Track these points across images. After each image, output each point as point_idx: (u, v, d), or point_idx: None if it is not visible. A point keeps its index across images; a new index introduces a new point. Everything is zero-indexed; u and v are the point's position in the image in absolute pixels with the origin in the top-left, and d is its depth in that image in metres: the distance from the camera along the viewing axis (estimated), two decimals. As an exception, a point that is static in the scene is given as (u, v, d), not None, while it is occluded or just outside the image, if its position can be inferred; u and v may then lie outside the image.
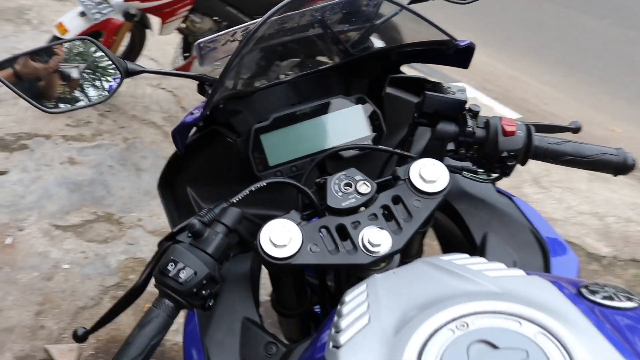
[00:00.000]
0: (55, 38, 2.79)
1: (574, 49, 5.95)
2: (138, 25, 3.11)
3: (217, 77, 1.03)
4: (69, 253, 2.29)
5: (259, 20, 0.81)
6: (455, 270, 0.67)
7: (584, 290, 0.61)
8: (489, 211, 0.99)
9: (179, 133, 0.89)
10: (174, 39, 3.30)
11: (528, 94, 4.76)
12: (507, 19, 6.53)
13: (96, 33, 2.94)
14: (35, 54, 0.95)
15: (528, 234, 0.96)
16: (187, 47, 3.23)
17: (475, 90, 4.46)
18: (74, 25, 2.78)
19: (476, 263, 0.69)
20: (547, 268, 0.92)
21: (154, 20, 3.07)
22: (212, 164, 1.06)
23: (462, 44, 0.88)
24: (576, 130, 1.02)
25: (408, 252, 1.09)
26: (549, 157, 0.91)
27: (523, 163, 0.91)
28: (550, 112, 4.49)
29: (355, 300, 0.66)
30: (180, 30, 3.14)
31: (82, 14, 2.79)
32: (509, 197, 1.02)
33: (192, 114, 0.89)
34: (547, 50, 5.85)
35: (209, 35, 0.96)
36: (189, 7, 2.93)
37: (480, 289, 0.63)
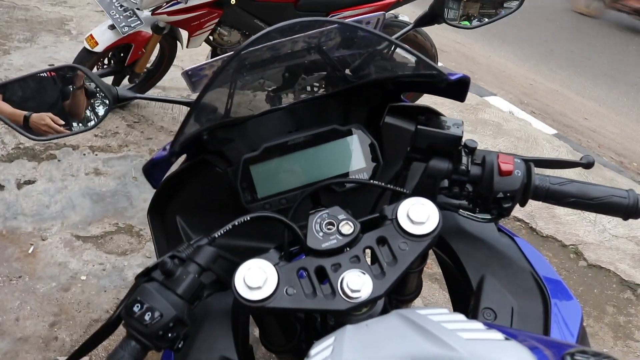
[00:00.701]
0: (86, 50, 2.84)
1: (618, 62, 5.72)
2: (167, 38, 3.14)
3: (211, 102, 1.01)
4: (88, 264, 2.31)
5: (230, 54, 0.78)
6: (429, 328, 0.62)
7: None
8: (487, 252, 0.92)
9: (150, 170, 0.86)
10: (207, 50, 3.32)
11: (567, 108, 4.59)
12: (549, 31, 6.34)
13: (126, 46, 2.99)
14: (23, 81, 0.95)
15: (528, 279, 0.89)
16: (215, 59, 3.24)
17: (511, 104, 4.33)
18: (104, 38, 2.83)
19: (453, 321, 0.64)
20: (547, 316, 0.85)
21: (184, 33, 3.09)
22: (202, 193, 1.03)
23: (453, 77, 0.83)
24: (588, 165, 0.94)
25: (403, 291, 1.04)
26: (551, 199, 0.84)
27: (522, 204, 0.85)
28: (590, 127, 4.32)
29: (319, 355, 0.62)
30: (208, 42, 3.15)
31: (112, 27, 2.83)
32: (510, 236, 0.95)
33: (164, 149, 0.86)
34: (589, 63, 5.65)
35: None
36: (216, 20, 2.94)
37: (449, 354, 0.57)
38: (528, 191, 0.82)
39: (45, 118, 0.95)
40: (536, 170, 0.84)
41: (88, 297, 2.17)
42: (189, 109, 0.84)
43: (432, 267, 2.45)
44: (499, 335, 0.59)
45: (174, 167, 0.95)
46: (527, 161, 0.84)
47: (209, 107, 0.97)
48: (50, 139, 0.95)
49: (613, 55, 5.91)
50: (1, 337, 1.98)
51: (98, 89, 0.94)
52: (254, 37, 0.76)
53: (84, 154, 2.92)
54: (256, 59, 0.97)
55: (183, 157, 1.01)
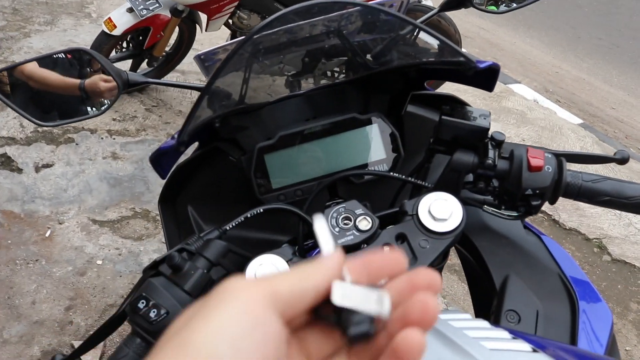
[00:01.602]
0: (104, 34, 2.82)
1: (649, 50, 5.54)
2: (187, 21, 3.10)
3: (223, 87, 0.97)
4: (104, 249, 2.31)
5: (243, 37, 0.74)
6: (450, 335, 0.57)
7: None
8: (512, 251, 0.87)
9: (157, 159, 0.83)
10: (227, 33, 3.28)
11: (594, 97, 4.46)
12: (577, 16, 6.17)
13: (144, 29, 2.96)
14: (42, 61, 0.92)
15: (555, 280, 0.84)
16: (234, 43, 3.20)
17: (536, 92, 4.22)
18: (122, 21, 2.80)
19: (477, 328, 0.59)
20: (574, 321, 0.80)
21: (203, 17, 3.05)
22: (214, 182, 1.00)
23: (482, 65, 0.77)
24: (623, 161, 0.89)
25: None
26: (583, 197, 0.78)
27: (552, 202, 0.79)
28: (617, 117, 4.19)
29: None
30: (228, 26, 3.11)
31: (130, 10, 2.80)
32: (537, 235, 0.90)
33: (172, 138, 0.83)
34: (618, 50, 5.48)
35: None
36: (235, 4, 2.89)
37: None
38: (559, 188, 0.76)
39: (97, 81, 0.92)
40: (567, 166, 0.79)
41: (103, 281, 2.17)
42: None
43: (451, 257, 2.40)
44: (525, 346, 0.55)
45: (184, 156, 0.92)
46: (559, 156, 0.79)
47: (223, 92, 0.93)
48: (58, 125, 0.92)
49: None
50: (17, 320, 1.99)
51: (108, 74, 0.90)
52: (268, 19, 0.71)
53: (102, 138, 2.91)
54: (272, 43, 0.93)
55: (195, 145, 0.97)
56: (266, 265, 0.72)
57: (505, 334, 0.57)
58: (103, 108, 0.93)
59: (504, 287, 0.83)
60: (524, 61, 4.94)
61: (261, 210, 0.80)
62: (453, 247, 0.86)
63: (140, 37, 3.06)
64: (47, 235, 2.34)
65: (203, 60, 0.90)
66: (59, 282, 2.14)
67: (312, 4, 0.76)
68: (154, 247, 2.35)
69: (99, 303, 2.08)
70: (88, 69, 0.98)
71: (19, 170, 2.63)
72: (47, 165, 2.69)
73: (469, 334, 0.57)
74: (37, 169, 2.66)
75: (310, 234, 0.83)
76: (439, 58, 0.88)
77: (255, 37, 0.74)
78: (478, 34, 5.37)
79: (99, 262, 2.24)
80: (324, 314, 0.35)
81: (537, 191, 0.76)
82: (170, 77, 3.51)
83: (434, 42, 0.83)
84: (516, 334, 0.57)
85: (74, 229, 2.39)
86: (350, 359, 0.36)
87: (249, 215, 0.79)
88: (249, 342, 0.31)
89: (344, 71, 1.04)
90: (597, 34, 5.81)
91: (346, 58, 1.03)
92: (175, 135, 0.82)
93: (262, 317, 0.32)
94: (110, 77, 0.90)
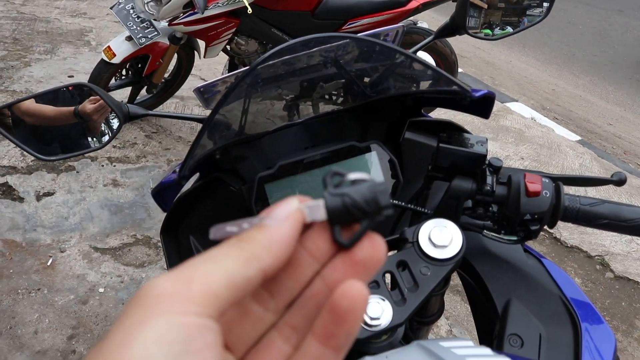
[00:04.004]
0: (103, 62, 2.85)
1: (644, 66, 5.59)
2: (185, 48, 3.14)
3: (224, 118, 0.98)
4: (106, 276, 2.30)
5: (243, 70, 0.75)
6: None
7: None
8: (513, 274, 0.88)
9: (159, 193, 0.84)
10: (225, 59, 3.31)
11: (591, 114, 4.49)
12: (572, 34, 6.24)
13: (143, 56, 2.99)
14: (43, 97, 0.94)
15: (557, 303, 0.84)
16: (233, 68, 3.23)
17: (534, 110, 4.24)
18: (121, 49, 2.83)
19: (479, 356, 0.60)
20: (577, 343, 0.80)
21: (201, 43, 3.09)
22: (216, 212, 1.00)
23: (477, 94, 0.79)
24: (620, 182, 0.89)
25: (425, 313, 1.00)
26: (582, 220, 0.79)
27: (551, 226, 0.80)
28: (615, 133, 4.21)
29: None
30: (226, 52, 3.15)
31: (129, 38, 2.84)
32: (537, 258, 0.91)
33: (174, 172, 0.84)
34: (613, 66, 5.53)
35: (254, 57, 0.91)
36: (233, 30, 2.93)
37: None
38: (557, 213, 0.77)
39: (86, 104, 0.93)
40: (565, 189, 0.80)
41: (106, 309, 2.16)
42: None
43: (453, 278, 2.40)
44: None
45: (187, 186, 0.93)
46: (556, 180, 0.79)
47: (223, 124, 0.95)
48: (60, 159, 0.93)
49: (638, 58, 5.78)
50: (20, 350, 1.98)
51: (109, 107, 0.92)
52: (266, 54, 0.73)
53: (102, 165, 2.92)
54: (271, 74, 0.94)
55: (196, 176, 0.98)
56: None
57: None
58: (104, 141, 0.95)
59: (506, 311, 0.83)
60: (521, 79, 4.98)
61: None
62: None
63: (139, 65, 3.09)
64: (48, 263, 2.33)
65: (202, 92, 0.91)
66: (61, 311, 2.14)
67: (310, 38, 0.77)
68: (156, 274, 2.34)
69: (101, 331, 2.07)
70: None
71: (20, 199, 2.64)
72: (48, 194, 2.70)
73: None
74: (38, 198, 2.67)
75: None
76: (434, 86, 0.90)
77: (258, 68, 0.75)
78: (474, 54, 5.42)
79: (101, 290, 2.24)
80: None
81: (536, 216, 0.76)
82: (170, 103, 3.53)
83: (430, 72, 0.85)
84: None
85: (76, 257, 2.38)
86: (286, 325, 0.31)
87: None
88: None
89: (341, 95, 1.05)
90: (592, 50, 5.87)
91: (344, 80, 1.04)
92: (177, 169, 0.83)
93: (197, 329, 0.25)
94: (96, 98, 0.91)
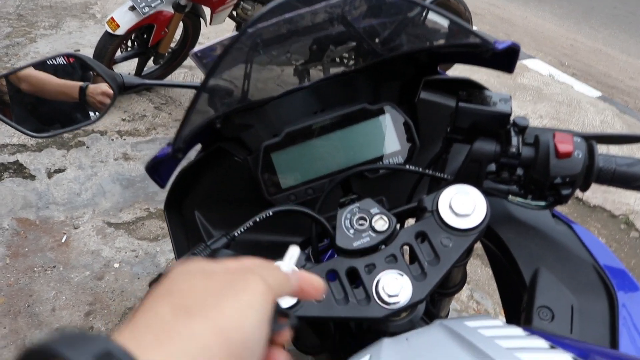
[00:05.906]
0: (108, 34, 2.78)
1: (667, 15, 5.37)
2: (190, 16, 3.06)
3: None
4: (120, 251, 2.29)
5: (233, 35, 0.69)
6: (478, 345, 0.52)
7: None
8: (541, 242, 0.81)
9: (153, 168, 0.78)
10: (232, 25, 3.22)
11: (611, 68, 4.33)
12: (589, -15, 5.99)
13: (148, 27, 2.91)
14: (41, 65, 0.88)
15: (590, 272, 0.78)
16: (240, 35, 3.14)
17: (552, 66, 4.10)
18: (125, 20, 2.76)
19: (509, 337, 0.54)
20: (613, 315, 0.74)
21: (206, 10, 3.00)
22: (221, 185, 0.95)
23: (500, 46, 0.71)
24: None
25: (447, 284, 0.95)
26: (618, 182, 0.72)
27: (584, 189, 0.73)
28: (637, 87, 4.07)
29: None
30: (232, 18, 3.05)
31: (132, 8, 2.76)
32: (568, 224, 0.84)
33: (168, 145, 0.78)
34: (635, 18, 5.31)
35: None
36: (238, -5, 2.83)
37: None
38: (591, 175, 0.70)
39: (102, 87, 0.88)
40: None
41: (122, 285, 2.15)
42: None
43: (472, 243, 2.34)
44: (567, 358, 0.49)
45: (187, 159, 0.87)
46: (589, 139, 0.72)
47: (223, 90, 0.88)
48: (52, 135, 0.88)
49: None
50: (39, 328, 1.98)
51: (101, 78, 0.86)
52: (263, 10, 0.66)
53: (112, 139, 2.89)
54: (273, 34, 0.88)
55: (198, 147, 0.93)
56: None
57: (543, 343, 0.52)
58: (99, 113, 0.89)
59: (535, 281, 0.77)
60: (537, 35, 4.81)
61: (270, 214, 0.75)
62: None
63: (145, 35, 3.02)
64: (63, 240, 2.32)
65: (200, 57, 0.85)
66: (77, 288, 2.13)
67: None
68: (170, 247, 2.32)
69: (118, 307, 2.06)
70: (91, 73, 0.94)
71: (32, 177, 2.62)
72: (60, 170, 2.67)
73: (501, 344, 0.52)
74: (50, 175, 2.65)
75: (324, 233, 0.78)
76: (452, 40, 0.82)
77: (250, 30, 0.69)
78: (488, 10, 5.24)
79: (116, 265, 2.23)
80: None
81: (567, 179, 0.70)
82: (178, 73, 3.47)
83: (445, 23, 0.77)
84: (555, 342, 0.52)
85: (90, 233, 2.37)
86: None
87: (257, 220, 0.75)
88: (260, 333, 0.33)
89: (353, 57, 0.98)
90: (611, 2, 5.64)
91: (355, 43, 0.97)
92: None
93: (268, 314, 0.35)
94: (108, 87, 0.86)
